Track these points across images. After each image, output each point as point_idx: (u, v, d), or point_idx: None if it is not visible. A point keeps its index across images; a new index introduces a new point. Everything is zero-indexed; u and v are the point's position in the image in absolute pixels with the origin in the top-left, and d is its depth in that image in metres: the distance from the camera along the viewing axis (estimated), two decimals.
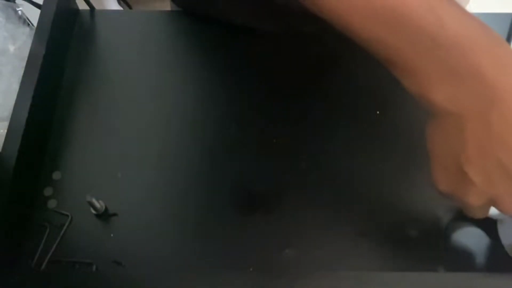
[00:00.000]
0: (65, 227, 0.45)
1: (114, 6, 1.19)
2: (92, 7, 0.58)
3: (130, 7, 1.23)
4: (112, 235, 0.45)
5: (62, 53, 0.55)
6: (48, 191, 0.47)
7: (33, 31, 0.54)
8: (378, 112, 0.51)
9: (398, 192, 0.47)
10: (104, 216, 0.46)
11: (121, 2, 1.24)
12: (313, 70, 0.53)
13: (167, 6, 0.62)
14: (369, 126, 0.50)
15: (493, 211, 0.43)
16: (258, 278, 0.41)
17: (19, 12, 0.60)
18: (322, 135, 0.50)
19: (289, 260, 0.44)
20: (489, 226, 0.45)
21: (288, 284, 0.39)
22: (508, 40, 0.54)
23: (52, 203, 0.47)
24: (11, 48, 0.56)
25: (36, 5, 0.57)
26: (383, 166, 0.48)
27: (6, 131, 0.47)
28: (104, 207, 0.46)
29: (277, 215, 0.46)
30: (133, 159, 0.49)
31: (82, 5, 0.58)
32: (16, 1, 0.61)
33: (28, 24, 0.60)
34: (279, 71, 0.54)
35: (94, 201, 0.45)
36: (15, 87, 0.52)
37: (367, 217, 0.46)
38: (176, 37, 0.56)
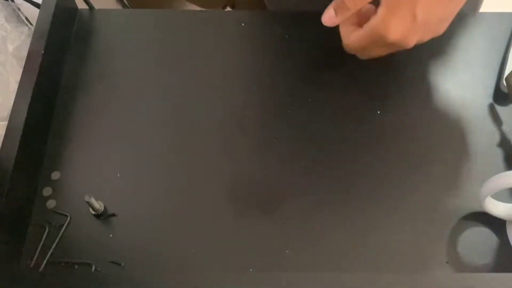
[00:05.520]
0: (64, 228, 0.45)
1: (114, 5, 1.18)
2: (91, 6, 0.58)
3: (129, 6, 1.22)
4: (111, 235, 0.45)
5: (61, 53, 0.54)
6: (47, 191, 0.47)
7: (32, 31, 0.54)
8: (378, 112, 0.51)
9: (400, 192, 0.47)
10: (103, 216, 0.46)
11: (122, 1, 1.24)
12: (313, 70, 0.53)
13: (168, 6, 0.62)
14: (369, 126, 0.50)
15: (503, 212, 0.43)
16: (258, 278, 0.41)
17: (18, 11, 0.60)
18: (322, 135, 0.50)
19: (289, 260, 0.44)
20: (498, 227, 0.45)
21: (288, 284, 0.39)
22: (510, 39, 0.54)
23: (51, 204, 0.47)
24: (10, 47, 0.56)
25: (35, 5, 0.57)
26: (384, 166, 0.48)
27: (4, 131, 0.46)
28: (103, 207, 0.46)
29: (277, 215, 0.46)
30: (132, 159, 0.49)
31: (81, 4, 0.58)
32: (15, 1, 0.61)
33: (27, 24, 0.60)
34: (279, 71, 0.53)
35: (93, 201, 0.45)
36: (14, 86, 0.52)
37: (368, 217, 0.46)
38: (175, 36, 0.56)
